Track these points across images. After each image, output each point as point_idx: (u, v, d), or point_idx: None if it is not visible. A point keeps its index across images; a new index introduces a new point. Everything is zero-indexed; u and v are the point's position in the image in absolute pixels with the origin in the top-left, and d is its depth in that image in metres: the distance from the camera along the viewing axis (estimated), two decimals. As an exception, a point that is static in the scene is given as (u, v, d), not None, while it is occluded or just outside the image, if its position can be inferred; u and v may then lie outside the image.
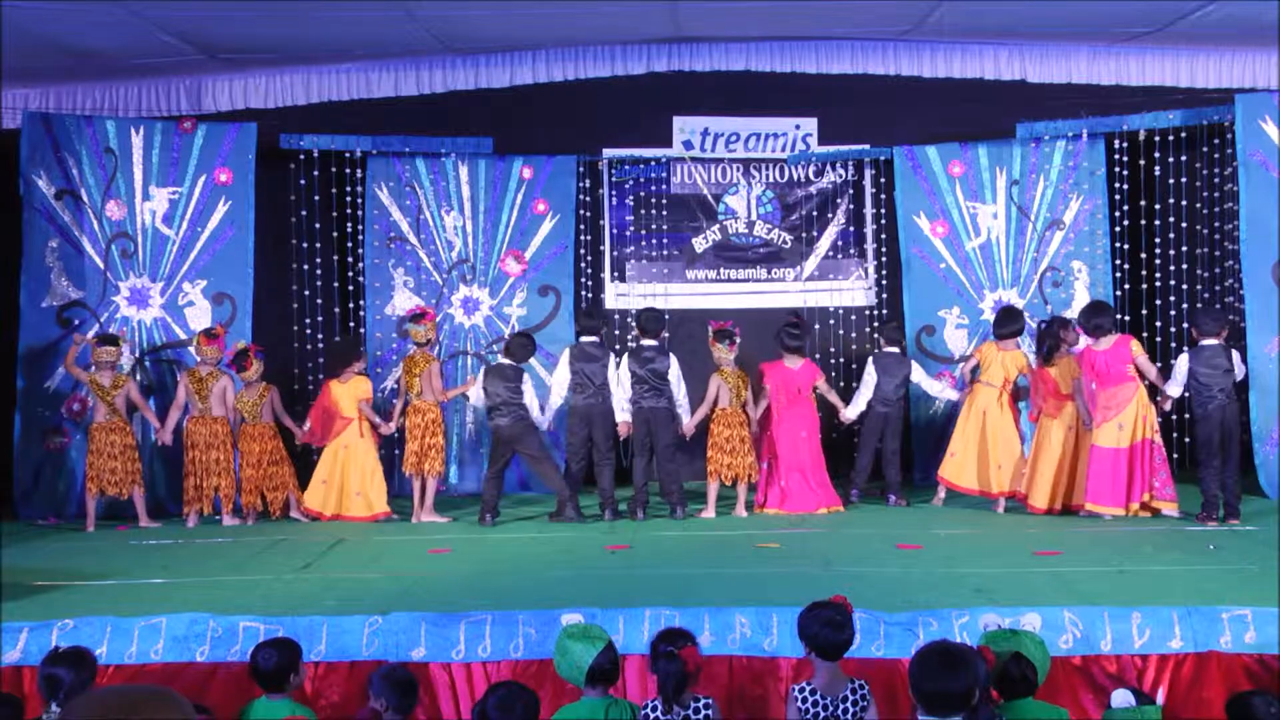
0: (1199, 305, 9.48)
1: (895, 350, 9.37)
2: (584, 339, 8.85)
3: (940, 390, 9.38)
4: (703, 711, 4.06)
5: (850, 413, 9.22)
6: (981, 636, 4.27)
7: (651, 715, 4.08)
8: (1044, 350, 8.60)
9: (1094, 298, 9.99)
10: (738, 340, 8.83)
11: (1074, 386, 8.40)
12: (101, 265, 9.58)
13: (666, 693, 4.05)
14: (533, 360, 9.20)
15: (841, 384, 10.00)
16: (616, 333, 10.57)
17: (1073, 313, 9.97)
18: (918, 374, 9.32)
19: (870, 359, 9.45)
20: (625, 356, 8.87)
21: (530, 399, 8.68)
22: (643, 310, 9.21)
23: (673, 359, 8.79)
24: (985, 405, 8.82)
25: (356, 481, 8.79)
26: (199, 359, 8.89)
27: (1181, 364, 8.16)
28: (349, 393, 8.81)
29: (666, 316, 9.37)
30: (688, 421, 8.81)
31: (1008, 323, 8.98)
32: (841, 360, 10.38)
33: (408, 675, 4.33)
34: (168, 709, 2.20)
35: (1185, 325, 9.74)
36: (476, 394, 8.84)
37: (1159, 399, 8.27)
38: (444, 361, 9.82)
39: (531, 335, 9.17)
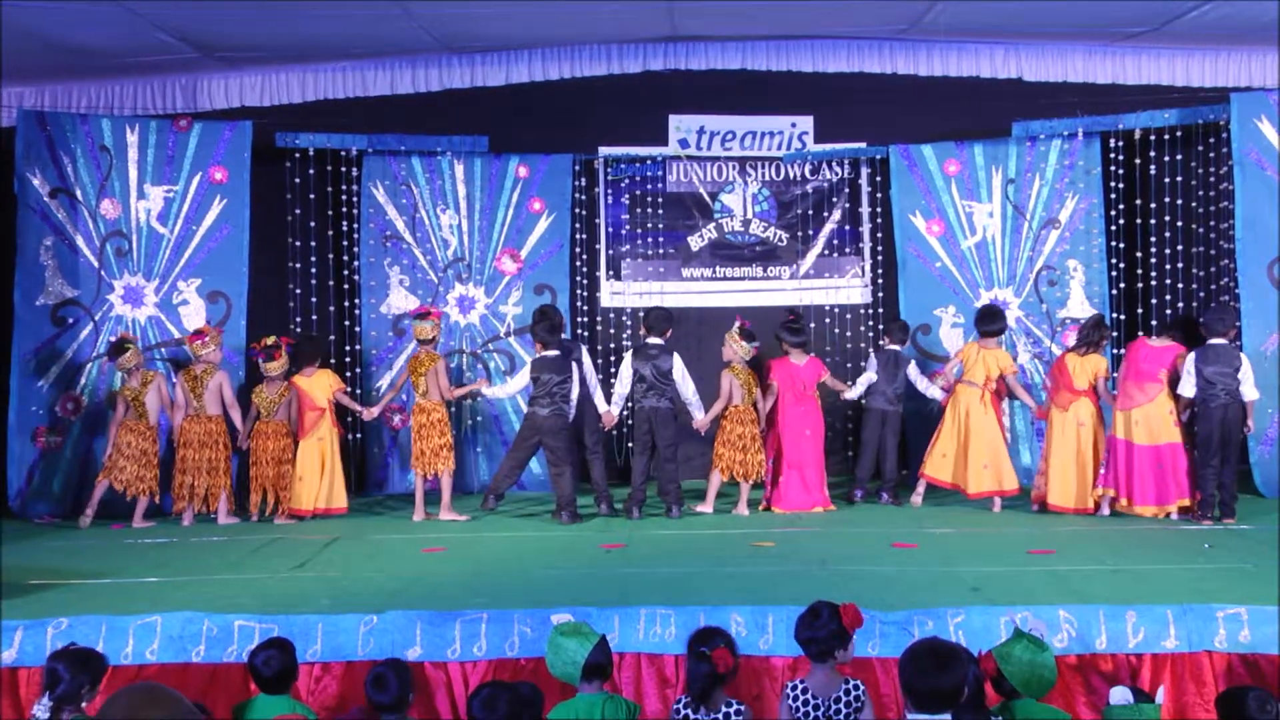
0: (1212, 304, 9.36)
1: (898, 348, 9.38)
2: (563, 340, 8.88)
3: (927, 388, 9.29)
4: (733, 718, 4.03)
5: (851, 394, 9.22)
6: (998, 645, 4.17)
7: (681, 712, 4.07)
8: (1087, 341, 8.44)
9: (1089, 297, 10.01)
10: (758, 344, 8.89)
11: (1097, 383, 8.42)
12: (96, 264, 9.55)
13: (694, 692, 4.04)
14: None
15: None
16: (612, 331, 10.57)
17: (1068, 312, 10.02)
18: (913, 371, 9.32)
19: (873, 351, 9.49)
20: (629, 354, 8.88)
21: (575, 391, 8.70)
22: (651, 309, 9.20)
23: (676, 358, 8.77)
24: (968, 404, 8.79)
25: (329, 472, 8.75)
26: (193, 358, 8.89)
27: (1189, 364, 8.13)
28: (316, 385, 8.84)
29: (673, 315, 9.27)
30: (702, 417, 8.80)
31: (990, 321, 8.95)
32: (838, 359, 10.36)
33: (397, 670, 4.24)
34: (163, 706, 2.21)
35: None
36: (518, 385, 9.08)
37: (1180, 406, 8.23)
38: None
39: (556, 320, 9.06)
